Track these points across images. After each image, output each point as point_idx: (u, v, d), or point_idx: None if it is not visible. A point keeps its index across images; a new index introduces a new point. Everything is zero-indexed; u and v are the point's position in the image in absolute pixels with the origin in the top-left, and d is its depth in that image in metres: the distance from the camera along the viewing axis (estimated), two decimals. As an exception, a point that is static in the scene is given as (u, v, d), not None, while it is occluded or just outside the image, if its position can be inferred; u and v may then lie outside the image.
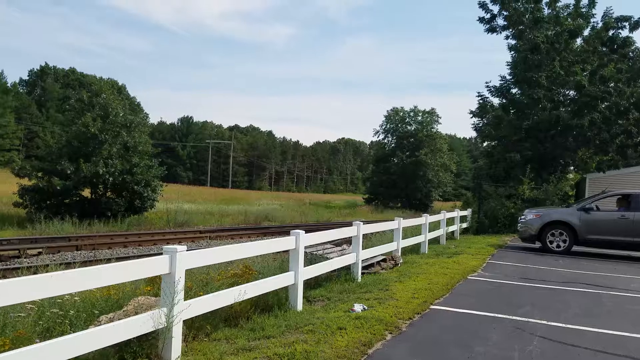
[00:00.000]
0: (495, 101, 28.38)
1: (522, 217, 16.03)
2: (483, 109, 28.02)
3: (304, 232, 6.86)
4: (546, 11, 27.15)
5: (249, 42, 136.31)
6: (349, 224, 9.29)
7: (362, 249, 9.19)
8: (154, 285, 5.24)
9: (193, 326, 5.14)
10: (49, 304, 4.70)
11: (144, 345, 4.31)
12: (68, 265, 11.36)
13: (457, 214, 18.25)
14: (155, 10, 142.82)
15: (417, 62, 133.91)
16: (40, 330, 4.26)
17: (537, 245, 15.35)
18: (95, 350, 3.89)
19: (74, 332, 4.04)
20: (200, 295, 5.10)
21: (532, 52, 25.31)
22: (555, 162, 26.08)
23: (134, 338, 4.18)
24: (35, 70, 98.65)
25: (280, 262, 7.67)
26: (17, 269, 11.39)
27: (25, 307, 4.39)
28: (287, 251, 6.95)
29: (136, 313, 4.32)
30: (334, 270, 8.65)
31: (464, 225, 20.43)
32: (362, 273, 9.21)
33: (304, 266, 6.96)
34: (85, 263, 11.86)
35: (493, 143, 29.94)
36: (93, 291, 4.93)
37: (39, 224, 20.33)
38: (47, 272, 4.49)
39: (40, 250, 14.97)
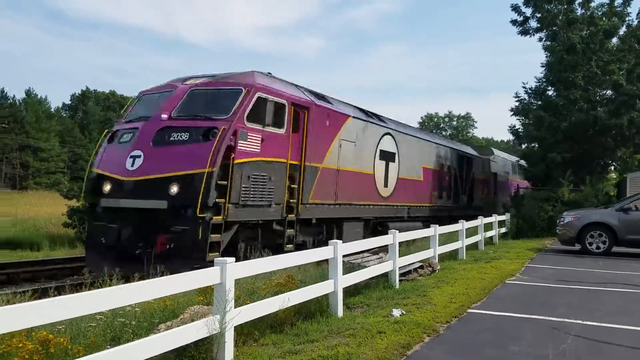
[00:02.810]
0: (532, 102, 28.18)
1: (561, 219, 15.99)
2: (526, 108, 27.73)
3: (341, 241, 7.22)
4: (579, 12, 26.92)
5: (280, 55, 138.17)
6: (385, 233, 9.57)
7: (399, 257, 9.45)
8: (205, 295, 5.67)
9: (242, 332, 5.54)
10: (112, 314, 5.17)
11: (200, 350, 4.73)
12: (127, 279, 11.94)
13: (495, 218, 18.23)
14: (189, 29, 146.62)
15: (449, 66, 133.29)
16: (108, 339, 4.72)
17: (577, 247, 15.28)
18: (157, 355, 4.32)
19: (138, 339, 4.48)
20: (249, 303, 5.51)
21: (567, 54, 25.09)
22: (594, 163, 25.71)
23: (191, 343, 4.61)
24: (76, 94, 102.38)
25: (320, 271, 8.02)
26: (80, 285, 12.03)
27: (95, 318, 4.86)
28: (326, 260, 7.30)
29: (192, 320, 4.75)
30: (372, 278, 8.95)
31: (503, 229, 20.33)
32: (400, 280, 9.46)
33: (343, 274, 7.30)
34: (141, 277, 12.41)
35: (531, 145, 29.63)
36: (151, 302, 5.38)
37: (88, 242, 21.24)
38: (108, 286, 4.98)
39: (92, 267, 15.69)
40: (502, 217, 20.33)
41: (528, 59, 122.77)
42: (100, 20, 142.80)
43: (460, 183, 23.28)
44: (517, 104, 27.99)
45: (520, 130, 28.80)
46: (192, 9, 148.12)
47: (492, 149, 33.57)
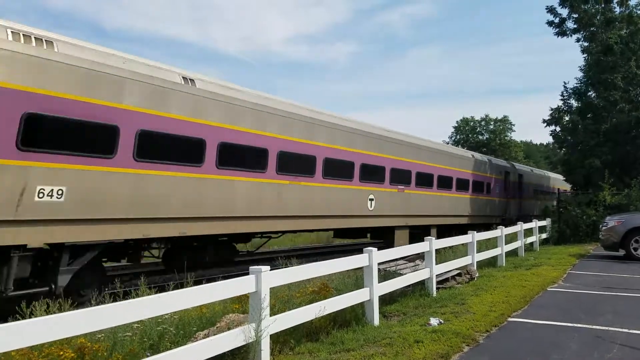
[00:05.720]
0: (572, 104, 27.54)
1: (604, 224, 15.51)
2: (557, 116, 27.16)
3: (376, 249, 7.15)
4: (618, 11, 26.22)
5: (312, 62, 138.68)
6: (421, 240, 9.45)
7: (436, 264, 9.32)
8: (241, 304, 5.70)
9: (278, 340, 5.54)
10: (149, 323, 5.23)
11: (236, 358, 4.75)
12: (161, 288, 12.13)
13: (535, 224, 17.81)
14: (222, 40, 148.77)
15: (484, 69, 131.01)
16: (146, 347, 4.78)
17: (621, 253, 14.77)
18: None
19: (175, 347, 4.52)
20: (284, 312, 5.50)
21: (605, 54, 24.45)
22: (637, 165, 24.88)
23: (228, 351, 4.62)
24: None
25: (354, 279, 7.97)
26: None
27: (132, 327, 4.93)
28: (361, 268, 7.24)
29: (228, 328, 4.77)
30: (409, 286, 8.84)
31: (544, 235, 19.85)
32: (437, 288, 9.32)
33: (378, 282, 7.23)
34: (177, 286, 12.59)
35: (570, 150, 28.95)
36: (189, 310, 5.44)
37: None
38: (148, 294, 5.05)
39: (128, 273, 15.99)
40: (543, 223, 19.83)
41: (569, 58, 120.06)
42: (138, 33, 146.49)
43: None
44: (560, 103, 27.40)
45: (558, 134, 28.19)
46: (225, 21, 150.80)
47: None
